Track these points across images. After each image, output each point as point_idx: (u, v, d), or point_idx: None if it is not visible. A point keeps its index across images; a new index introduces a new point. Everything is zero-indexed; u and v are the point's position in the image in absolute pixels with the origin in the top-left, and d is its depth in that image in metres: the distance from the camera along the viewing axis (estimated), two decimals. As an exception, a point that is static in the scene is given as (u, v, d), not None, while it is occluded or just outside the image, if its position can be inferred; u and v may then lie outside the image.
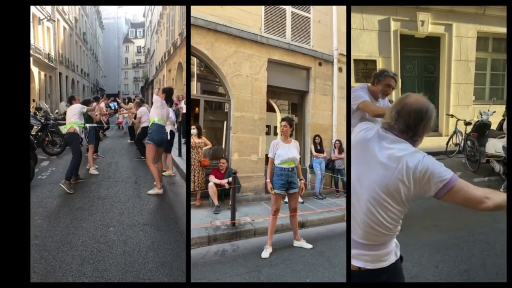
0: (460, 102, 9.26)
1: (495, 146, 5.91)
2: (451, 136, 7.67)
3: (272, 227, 4.25)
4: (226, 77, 6.74)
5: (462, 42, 9.15)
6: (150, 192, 5.44)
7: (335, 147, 7.81)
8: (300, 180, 4.37)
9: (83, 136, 6.06)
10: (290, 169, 4.22)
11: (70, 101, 6.44)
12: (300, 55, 7.89)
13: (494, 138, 6.07)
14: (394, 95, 8.66)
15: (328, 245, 4.47)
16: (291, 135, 4.39)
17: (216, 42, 6.57)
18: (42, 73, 20.59)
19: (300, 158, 4.53)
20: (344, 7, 7.59)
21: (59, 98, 23.14)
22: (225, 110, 7.15)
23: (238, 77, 6.88)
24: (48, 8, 21.24)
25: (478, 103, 9.30)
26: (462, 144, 7.21)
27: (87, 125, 7.30)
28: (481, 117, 6.63)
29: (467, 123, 7.13)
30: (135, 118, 8.42)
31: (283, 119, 4.34)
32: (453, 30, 8.98)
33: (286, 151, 4.19)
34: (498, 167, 5.91)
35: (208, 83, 7.09)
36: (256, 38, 7.08)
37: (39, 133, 8.83)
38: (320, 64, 8.23)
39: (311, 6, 8.22)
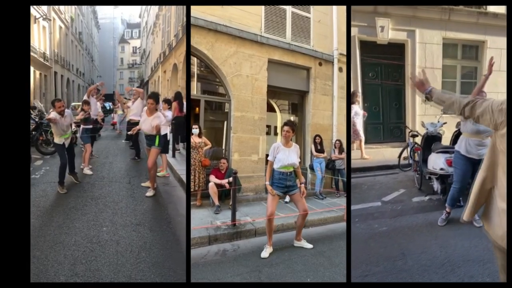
0: (427, 112, 8.28)
1: (434, 162, 5.06)
2: (404, 149, 6.73)
3: (270, 229, 4.18)
4: (226, 77, 6.68)
5: (426, 48, 8.41)
6: (148, 194, 5.37)
7: (335, 147, 7.75)
8: (301, 183, 4.31)
9: (66, 143, 5.55)
10: (288, 173, 4.19)
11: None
12: (300, 55, 7.83)
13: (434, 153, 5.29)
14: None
15: (328, 245, 4.46)
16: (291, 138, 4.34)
17: (217, 42, 6.50)
18: (37, 72, 20.45)
19: (300, 158, 4.47)
20: (344, 7, 7.57)
21: (54, 97, 22.89)
22: (226, 110, 7.08)
23: (238, 77, 6.81)
24: (44, 7, 21.11)
25: (447, 113, 8.44)
26: (410, 158, 6.38)
27: (82, 126, 7.18)
28: (427, 129, 5.70)
29: (413, 135, 6.29)
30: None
31: (285, 124, 4.26)
32: (416, 37, 8.31)
33: (286, 156, 4.14)
34: (436, 186, 5.10)
35: (208, 83, 7.01)
36: (256, 38, 7.02)
37: (33, 132, 8.70)
38: (320, 64, 8.19)
39: (311, 6, 8.18)
